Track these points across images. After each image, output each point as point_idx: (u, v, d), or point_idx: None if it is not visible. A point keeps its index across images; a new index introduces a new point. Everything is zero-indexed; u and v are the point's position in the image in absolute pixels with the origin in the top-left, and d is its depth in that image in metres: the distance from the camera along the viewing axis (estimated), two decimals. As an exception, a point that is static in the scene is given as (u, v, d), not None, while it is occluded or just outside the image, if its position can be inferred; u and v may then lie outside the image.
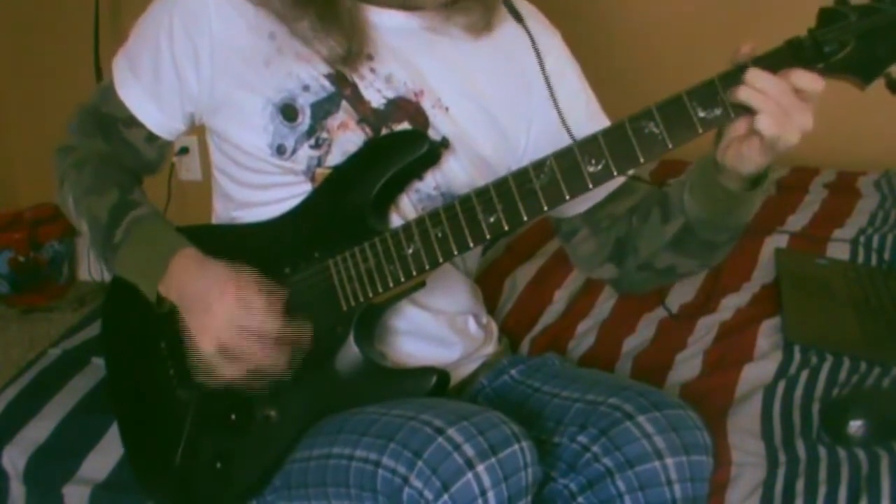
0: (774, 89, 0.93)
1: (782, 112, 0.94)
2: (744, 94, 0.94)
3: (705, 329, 1.52)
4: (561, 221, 1.26)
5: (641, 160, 0.98)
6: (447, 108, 1.15)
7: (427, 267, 1.07)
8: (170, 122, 1.21)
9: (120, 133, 1.23)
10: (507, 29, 1.18)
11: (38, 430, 1.34)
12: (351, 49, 1.12)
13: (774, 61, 0.95)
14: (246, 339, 1.08)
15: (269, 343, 1.09)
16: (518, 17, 1.17)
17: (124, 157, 1.25)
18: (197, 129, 1.25)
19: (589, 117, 1.18)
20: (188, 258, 1.13)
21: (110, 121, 1.23)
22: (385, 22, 1.14)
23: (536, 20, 1.21)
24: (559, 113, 1.12)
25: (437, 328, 1.21)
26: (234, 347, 1.08)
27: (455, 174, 1.16)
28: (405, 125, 1.14)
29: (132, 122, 1.22)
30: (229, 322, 1.08)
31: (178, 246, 1.14)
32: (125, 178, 1.23)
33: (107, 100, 1.23)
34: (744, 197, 1.04)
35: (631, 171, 1.16)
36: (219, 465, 1.16)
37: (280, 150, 1.13)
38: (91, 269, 2.90)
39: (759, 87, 0.94)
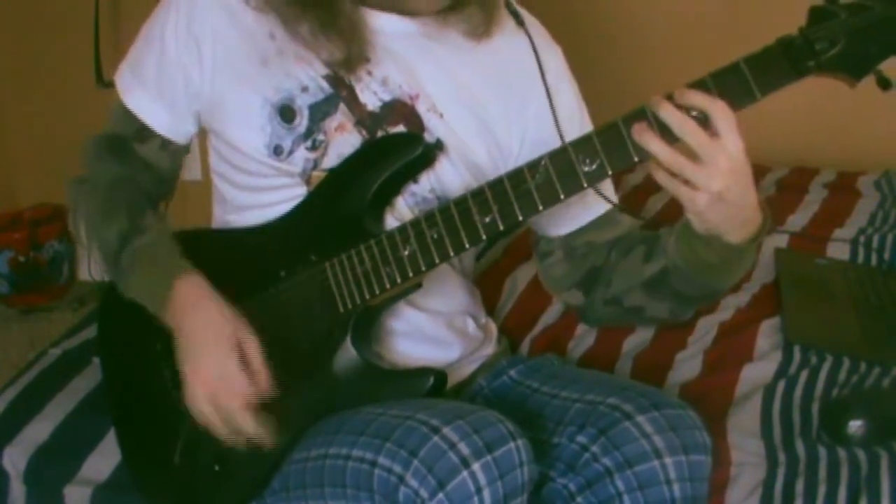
0: (676, 125, 0.93)
1: (689, 168, 0.93)
2: (646, 140, 0.94)
3: (705, 329, 1.52)
4: (541, 239, 1.26)
5: (635, 159, 0.98)
6: (441, 114, 1.15)
7: (423, 268, 1.07)
8: (178, 122, 1.21)
9: (133, 151, 1.23)
10: (508, 35, 1.18)
11: (38, 431, 1.34)
12: (350, 53, 1.12)
13: (765, 60, 0.95)
14: (220, 404, 1.07)
15: (246, 406, 1.07)
16: (519, 21, 1.17)
17: (139, 177, 1.24)
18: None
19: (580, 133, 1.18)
20: (190, 287, 1.11)
21: (121, 141, 1.23)
22: (384, 26, 1.14)
23: (539, 33, 1.21)
24: (557, 124, 1.12)
25: (434, 329, 1.21)
26: (206, 406, 1.08)
27: (449, 178, 1.16)
28: (401, 128, 1.14)
29: (143, 134, 1.22)
30: (207, 383, 1.07)
31: (180, 272, 1.13)
32: (136, 202, 1.21)
33: (115, 121, 1.23)
34: (723, 259, 1.03)
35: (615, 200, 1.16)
36: (217, 467, 1.16)
37: (277, 151, 1.13)
38: (91, 269, 2.88)
39: (663, 119, 0.93)
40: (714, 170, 0.93)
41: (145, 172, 1.24)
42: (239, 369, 1.07)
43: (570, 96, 1.22)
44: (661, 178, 0.96)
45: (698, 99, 0.93)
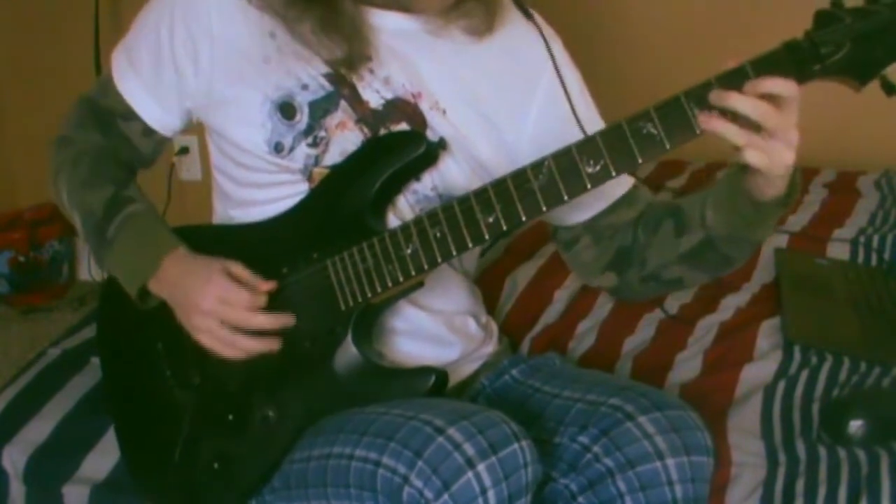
0: (751, 111, 0.93)
1: (763, 140, 0.94)
2: (720, 128, 0.94)
3: (705, 329, 1.52)
4: (559, 229, 1.25)
5: (639, 160, 0.98)
6: (444, 111, 1.15)
7: (426, 267, 1.07)
8: (167, 117, 1.21)
9: (118, 127, 1.24)
10: (515, 28, 1.18)
11: (38, 430, 1.34)
12: (352, 52, 1.12)
13: (771, 63, 0.95)
14: (228, 328, 1.10)
15: (253, 331, 1.10)
16: (527, 14, 1.17)
17: (120, 151, 1.25)
18: (197, 128, 1.25)
19: (588, 122, 1.18)
20: (180, 256, 1.14)
21: (108, 114, 1.24)
22: (385, 24, 1.14)
23: (544, 25, 1.21)
24: (570, 102, 1.13)
25: (435, 328, 1.21)
26: (217, 336, 1.10)
27: (453, 176, 1.16)
28: (403, 126, 1.14)
29: (130, 115, 1.22)
30: (212, 311, 1.09)
31: (171, 245, 1.15)
32: (121, 174, 1.23)
33: (105, 93, 1.24)
34: (771, 211, 1.04)
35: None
36: (217, 465, 1.16)
37: (278, 148, 1.13)
38: (91, 269, 2.90)
39: (732, 109, 0.93)
40: (789, 144, 0.94)
41: (126, 148, 1.25)
42: (234, 286, 1.09)
43: (574, 83, 1.22)
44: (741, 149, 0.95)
45: (776, 83, 0.93)
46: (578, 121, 1.12)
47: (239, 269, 1.12)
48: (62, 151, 1.25)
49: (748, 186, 1.02)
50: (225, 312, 1.10)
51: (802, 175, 2.22)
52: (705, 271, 1.15)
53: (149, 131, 1.24)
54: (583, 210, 1.20)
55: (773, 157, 0.95)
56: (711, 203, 1.08)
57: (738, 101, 0.94)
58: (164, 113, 1.21)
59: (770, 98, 0.94)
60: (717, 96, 0.94)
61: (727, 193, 1.05)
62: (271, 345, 1.11)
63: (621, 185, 1.19)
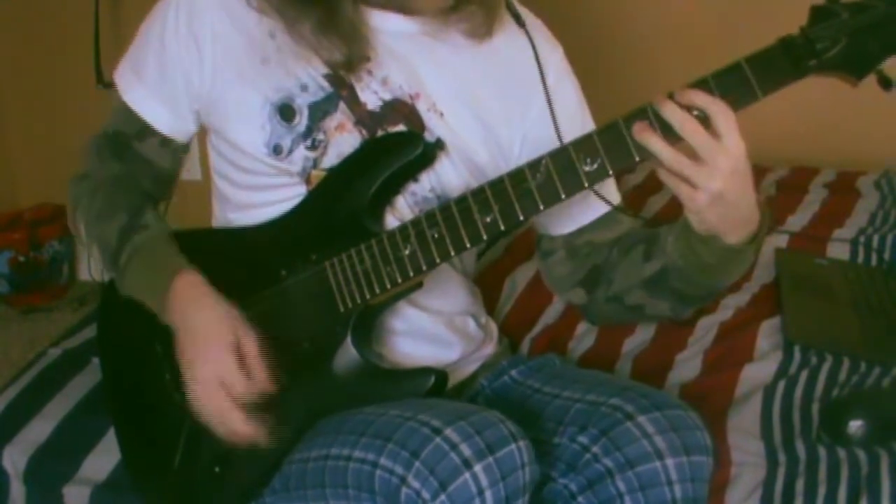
0: (677, 123, 0.93)
1: (693, 165, 0.94)
2: (647, 140, 0.95)
3: (705, 329, 1.52)
4: (543, 238, 1.26)
5: (637, 159, 0.98)
6: (442, 113, 1.15)
7: (424, 268, 1.07)
8: (179, 121, 1.21)
9: (133, 149, 1.23)
10: (509, 36, 1.18)
11: (38, 430, 1.34)
12: (351, 53, 1.12)
13: (767, 59, 0.95)
14: (220, 398, 1.06)
15: (243, 408, 1.07)
16: (520, 21, 1.17)
17: (140, 175, 1.24)
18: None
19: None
20: (188, 284, 1.12)
21: (122, 139, 1.23)
22: (385, 25, 1.14)
23: (540, 33, 1.21)
24: (556, 127, 1.13)
25: (435, 328, 1.21)
26: (207, 400, 1.07)
27: (450, 178, 1.15)
28: (401, 127, 1.14)
29: (143, 133, 1.22)
30: (204, 384, 1.07)
31: (178, 269, 1.13)
32: (136, 201, 1.22)
33: (116, 118, 1.23)
34: (724, 257, 1.03)
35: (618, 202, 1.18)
36: (217, 469, 1.16)
37: (276, 150, 1.13)
38: (91, 269, 2.90)
39: (665, 118, 0.94)
40: (714, 169, 0.94)
41: (146, 171, 1.24)
42: (236, 369, 1.06)
43: (572, 96, 1.22)
44: (662, 175, 0.97)
45: (699, 98, 0.94)
46: (561, 143, 1.10)
47: (251, 349, 1.07)
48: (79, 185, 1.25)
49: (694, 224, 1.01)
50: (214, 392, 1.06)
51: (804, 174, 2.22)
52: (662, 300, 1.14)
53: (165, 142, 1.22)
54: (565, 223, 1.21)
55: (698, 182, 0.94)
56: (676, 230, 1.07)
57: (669, 111, 0.94)
58: (176, 118, 1.20)
59: (704, 120, 0.93)
60: (660, 104, 0.94)
61: (686, 225, 1.04)
62: (235, 440, 1.07)
63: (605, 204, 1.19)
